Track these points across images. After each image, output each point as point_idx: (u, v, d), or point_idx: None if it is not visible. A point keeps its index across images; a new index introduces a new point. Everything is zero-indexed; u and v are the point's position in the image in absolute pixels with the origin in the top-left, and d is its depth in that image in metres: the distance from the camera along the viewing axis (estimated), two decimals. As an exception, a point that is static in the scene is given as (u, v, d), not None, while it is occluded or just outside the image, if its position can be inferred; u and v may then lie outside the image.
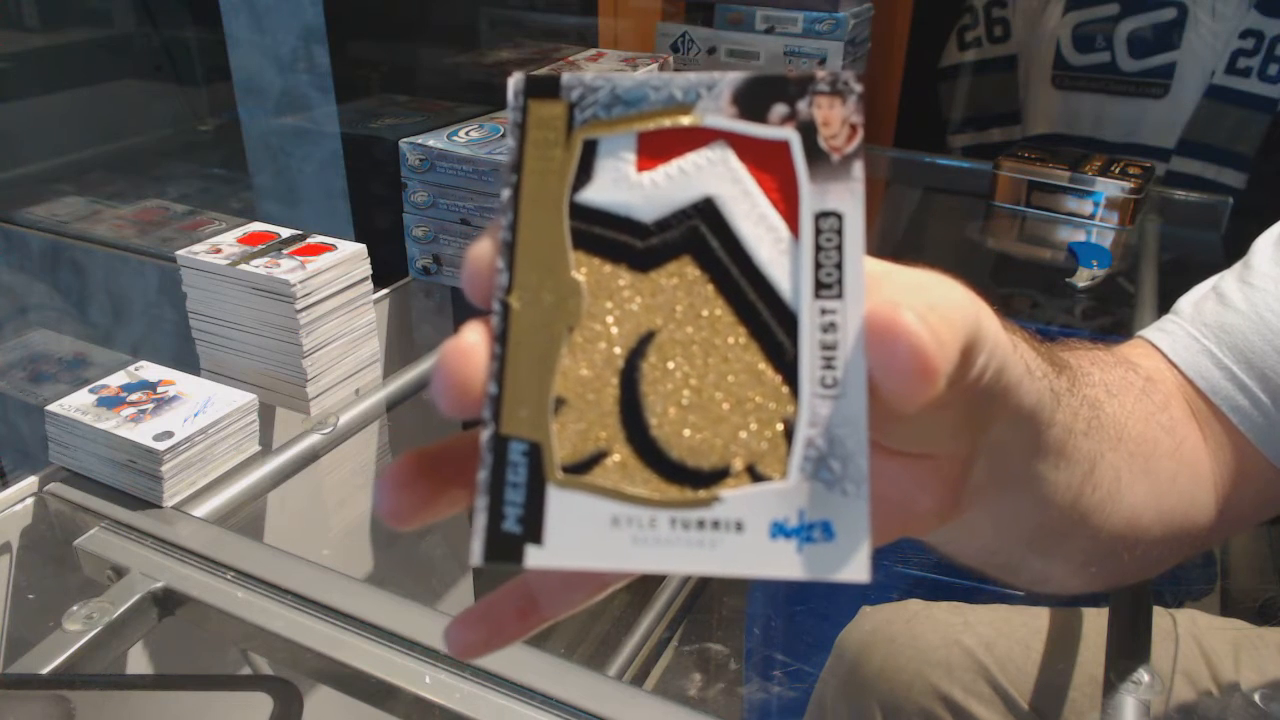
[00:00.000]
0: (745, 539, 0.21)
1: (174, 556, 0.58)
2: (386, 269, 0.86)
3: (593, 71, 1.06)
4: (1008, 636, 0.68)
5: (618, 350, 0.22)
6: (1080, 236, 1.19)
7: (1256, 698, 0.58)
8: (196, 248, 0.72)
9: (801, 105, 0.22)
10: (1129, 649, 0.53)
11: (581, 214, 0.22)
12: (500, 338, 0.21)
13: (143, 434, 0.61)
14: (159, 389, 0.66)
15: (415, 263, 0.90)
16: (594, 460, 0.21)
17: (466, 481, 0.23)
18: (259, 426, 0.67)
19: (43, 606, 0.65)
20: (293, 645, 0.53)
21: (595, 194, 0.22)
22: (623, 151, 0.22)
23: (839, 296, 0.21)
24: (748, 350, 0.22)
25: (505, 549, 0.21)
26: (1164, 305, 0.53)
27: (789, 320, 0.21)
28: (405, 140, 0.86)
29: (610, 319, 0.22)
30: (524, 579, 0.27)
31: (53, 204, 0.96)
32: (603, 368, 0.22)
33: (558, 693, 0.48)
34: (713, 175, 0.22)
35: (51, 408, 0.63)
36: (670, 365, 0.22)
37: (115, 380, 0.67)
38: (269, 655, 0.58)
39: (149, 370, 0.68)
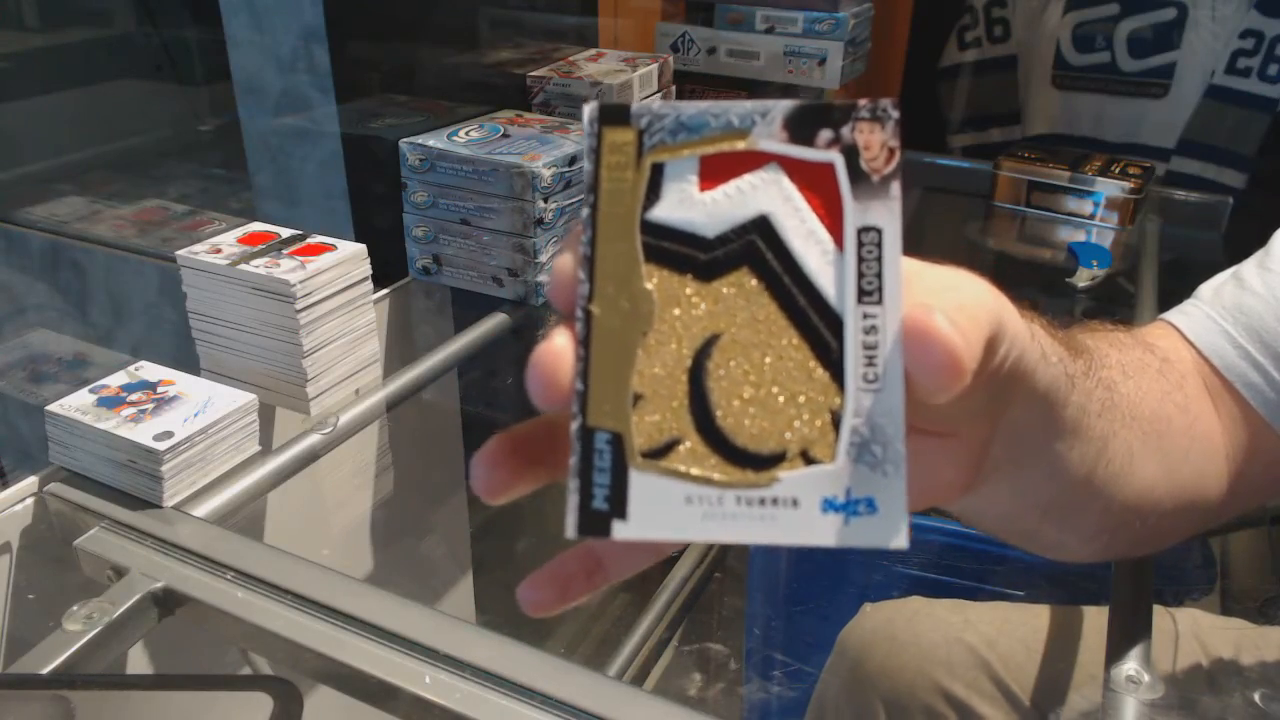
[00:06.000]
0: (800, 513, 0.24)
1: (174, 556, 0.58)
2: (386, 269, 0.86)
3: (593, 71, 1.06)
4: (1009, 635, 0.68)
5: (686, 351, 0.25)
6: (1080, 236, 1.19)
7: (1256, 698, 0.58)
8: (196, 248, 0.72)
9: (845, 130, 0.25)
10: (1129, 649, 0.52)
11: (651, 230, 0.25)
12: (584, 341, 0.24)
13: (143, 434, 0.61)
14: (159, 389, 0.66)
15: (415, 263, 0.90)
16: (668, 447, 0.24)
17: (546, 461, 0.27)
18: (259, 426, 0.67)
19: (43, 606, 0.65)
20: (293, 645, 0.53)
21: (663, 212, 0.25)
22: (687, 173, 0.25)
23: (879, 302, 0.24)
24: (799, 350, 0.25)
25: (595, 524, 0.24)
26: (1164, 305, 0.54)
27: (835, 323, 0.24)
28: (405, 140, 0.86)
29: (679, 324, 0.25)
30: (590, 544, 0.30)
31: (53, 204, 0.96)
32: (673, 367, 0.25)
33: (558, 693, 0.48)
34: (767, 194, 0.25)
35: (51, 408, 0.63)
36: (732, 364, 0.25)
37: (115, 380, 0.67)
38: (269, 655, 0.58)
39: (149, 370, 0.68)
